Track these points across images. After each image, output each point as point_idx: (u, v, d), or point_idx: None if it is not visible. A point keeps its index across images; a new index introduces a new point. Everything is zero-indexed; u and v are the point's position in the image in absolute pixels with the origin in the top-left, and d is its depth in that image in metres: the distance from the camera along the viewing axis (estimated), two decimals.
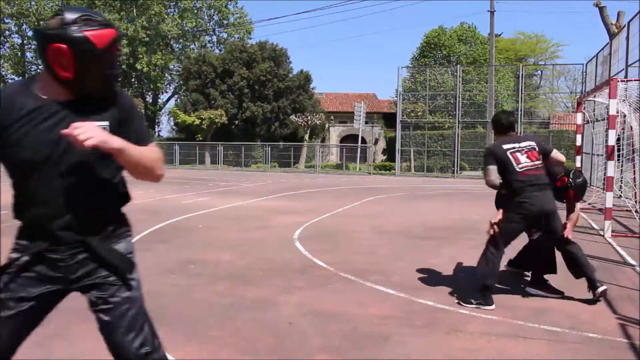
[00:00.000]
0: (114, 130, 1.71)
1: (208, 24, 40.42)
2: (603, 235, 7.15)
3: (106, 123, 1.70)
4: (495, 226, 4.18)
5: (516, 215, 4.17)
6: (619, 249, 6.35)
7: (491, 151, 4.26)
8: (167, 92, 42.92)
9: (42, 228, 1.75)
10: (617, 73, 13.72)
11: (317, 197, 12.82)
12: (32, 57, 42.08)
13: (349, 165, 27.09)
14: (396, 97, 26.60)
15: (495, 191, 4.51)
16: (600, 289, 4.04)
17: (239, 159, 27.87)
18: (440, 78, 27.66)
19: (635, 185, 8.93)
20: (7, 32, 39.42)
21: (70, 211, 1.74)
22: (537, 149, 4.25)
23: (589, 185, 7.57)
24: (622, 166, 9.18)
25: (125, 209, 1.90)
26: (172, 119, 34.02)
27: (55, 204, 1.72)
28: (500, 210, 4.31)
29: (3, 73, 40.12)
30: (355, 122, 26.57)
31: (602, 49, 16.82)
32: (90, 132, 1.57)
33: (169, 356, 3.06)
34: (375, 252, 6.05)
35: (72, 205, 1.74)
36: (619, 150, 8.50)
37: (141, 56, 35.76)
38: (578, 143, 11.05)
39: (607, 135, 7.52)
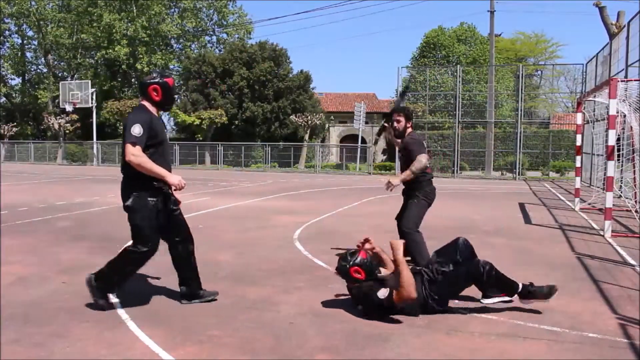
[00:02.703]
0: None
1: (208, 24, 40.41)
2: (603, 235, 7.15)
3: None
4: None
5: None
6: (619, 249, 6.34)
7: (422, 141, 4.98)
8: None
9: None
10: (617, 73, 13.72)
11: (317, 197, 12.82)
12: (31, 57, 42.12)
13: (349, 165, 27.09)
14: (396, 97, 26.60)
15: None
16: None
17: (239, 159, 27.86)
18: (440, 78, 27.69)
19: (635, 185, 8.93)
20: (7, 32, 39.39)
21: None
22: None
23: (589, 185, 7.52)
24: (622, 166, 9.18)
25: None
26: (172, 119, 34.05)
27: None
28: None
29: (3, 73, 40.10)
30: (355, 122, 26.57)
31: (602, 49, 16.82)
32: None
33: (168, 356, 3.07)
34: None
35: None
36: (619, 150, 8.49)
37: (141, 56, 35.74)
38: (578, 143, 11.07)
39: (607, 135, 7.52)
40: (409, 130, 4.95)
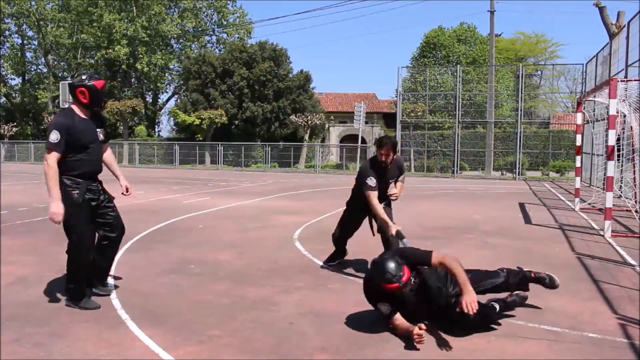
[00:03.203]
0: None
1: (208, 24, 40.42)
2: (603, 235, 7.15)
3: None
4: None
5: None
6: (619, 249, 6.34)
7: None
8: (167, 92, 43.00)
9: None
10: (617, 73, 13.72)
11: (317, 197, 12.82)
12: (31, 57, 42.12)
13: (349, 165, 27.08)
14: (396, 97, 26.62)
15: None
16: None
17: (239, 159, 27.87)
18: (440, 78, 27.70)
19: (635, 185, 8.93)
20: (7, 32, 39.40)
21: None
22: None
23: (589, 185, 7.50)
24: (622, 166, 9.18)
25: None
26: (172, 119, 34.05)
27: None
28: None
29: (3, 73, 40.11)
30: (355, 122, 26.57)
31: (602, 49, 16.83)
32: None
33: (168, 356, 3.07)
34: (375, 252, 6.01)
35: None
36: (619, 150, 8.49)
37: (141, 56, 35.74)
38: (578, 143, 11.07)
39: (607, 135, 7.51)
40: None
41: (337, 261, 5.33)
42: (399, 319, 3.41)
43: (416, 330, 3.14)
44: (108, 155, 4.26)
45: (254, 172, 24.81)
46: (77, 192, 3.80)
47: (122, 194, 4.25)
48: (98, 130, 3.97)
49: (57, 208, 3.74)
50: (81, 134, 3.80)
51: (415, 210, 10.41)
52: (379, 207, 4.76)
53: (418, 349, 3.15)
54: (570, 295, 4.34)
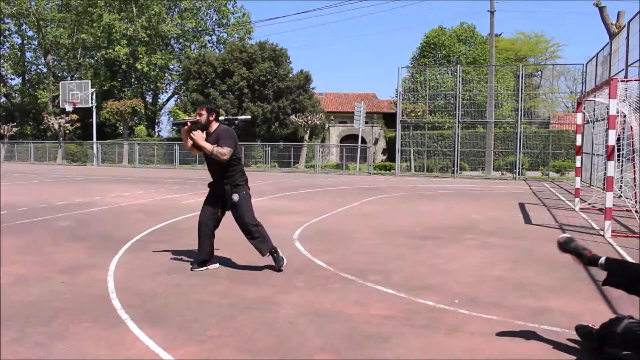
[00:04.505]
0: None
1: (208, 24, 40.43)
2: (603, 235, 7.15)
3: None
4: None
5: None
6: (619, 249, 6.35)
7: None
8: (167, 92, 43.00)
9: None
10: (617, 73, 13.72)
11: (317, 197, 12.82)
12: (31, 57, 42.15)
13: (349, 165, 27.09)
14: (396, 97, 26.61)
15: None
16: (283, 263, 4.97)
17: None
18: (440, 78, 27.70)
19: (635, 185, 8.93)
20: (7, 32, 39.41)
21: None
22: None
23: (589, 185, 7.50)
24: (622, 166, 9.18)
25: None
26: (172, 119, 34.09)
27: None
28: None
29: (3, 73, 40.13)
30: (355, 122, 26.58)
31: (602, 49, 16.83)
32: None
33: (168, 356, 3.07)
34: (375, 252, 6.04)
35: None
36: (619, 150, 8.49)
37: (141, 56, 35.75)
38: (578, 143, 11.07)
39: (607, 135, 7.51)
40: (216, 123, 5.31)
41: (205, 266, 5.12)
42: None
43: None
44: None
45: (254, 172, 24.79)
46: None
47: None
48: None
49: None
50: None
51: (416, 210, 10.41)
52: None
53: None
54: (570, 295, 4.34)
